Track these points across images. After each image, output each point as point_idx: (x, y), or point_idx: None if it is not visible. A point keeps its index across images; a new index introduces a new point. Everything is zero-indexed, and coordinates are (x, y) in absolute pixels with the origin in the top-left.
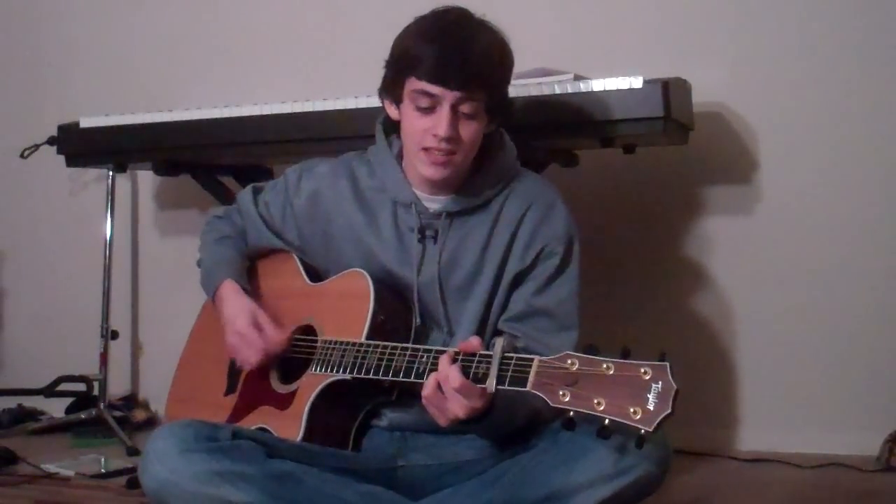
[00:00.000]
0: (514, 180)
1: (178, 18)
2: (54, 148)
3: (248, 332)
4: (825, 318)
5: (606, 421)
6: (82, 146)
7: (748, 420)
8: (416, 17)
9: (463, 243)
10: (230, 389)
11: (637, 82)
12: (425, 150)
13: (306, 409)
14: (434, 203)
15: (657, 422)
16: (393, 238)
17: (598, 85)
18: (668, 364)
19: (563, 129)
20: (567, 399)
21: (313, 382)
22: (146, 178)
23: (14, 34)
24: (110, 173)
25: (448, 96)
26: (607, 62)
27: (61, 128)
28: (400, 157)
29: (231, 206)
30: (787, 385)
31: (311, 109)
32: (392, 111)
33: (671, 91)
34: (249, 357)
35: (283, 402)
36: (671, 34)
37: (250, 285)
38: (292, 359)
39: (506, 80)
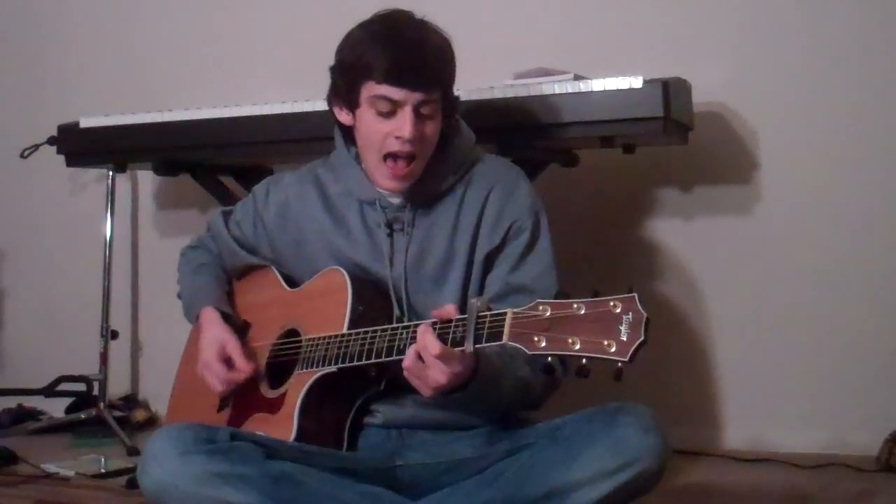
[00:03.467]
0: (476, 164)
1: (178, 18)
2: (54, 148)
3: (212, 363)
4: (825, 318)
5: (584, 360)
6: (82, 146)
7: (748, 419)
8: (359, 23)
9: (431, 232)
10: (223, 406)
11: (637, 82)
12: (387, 160)
13: (296, 408)
14: (397, 197)
15: (632, 351)
16: (363, 236)
17: (597, 85)
18: (635, 295)
19: (563, 129)
20: (543, 344)
21: (302, 380)
22: (146, 178)
23: (14, 34)
24: (110, 173)
25: (410, 98)
26: (607, 62)
27: (61, 128)
28: (358, 157)
29: (203, 233)
30: (787, 384)
31: (311, 109)
32: (344, 117)
33: (671, 91)
34: (215, 387)
35: (274, 405)
36: (671, 34)
37: (234, 304)
38: (281, 364)
39: (455, 78)
